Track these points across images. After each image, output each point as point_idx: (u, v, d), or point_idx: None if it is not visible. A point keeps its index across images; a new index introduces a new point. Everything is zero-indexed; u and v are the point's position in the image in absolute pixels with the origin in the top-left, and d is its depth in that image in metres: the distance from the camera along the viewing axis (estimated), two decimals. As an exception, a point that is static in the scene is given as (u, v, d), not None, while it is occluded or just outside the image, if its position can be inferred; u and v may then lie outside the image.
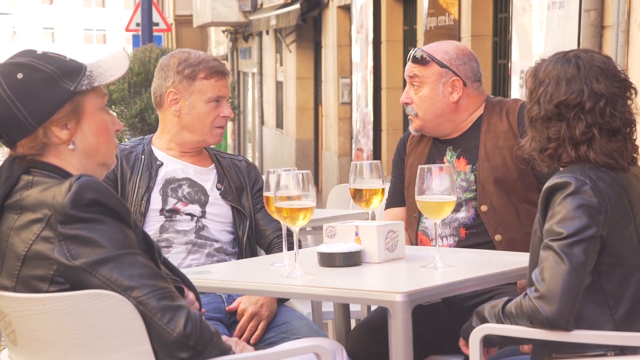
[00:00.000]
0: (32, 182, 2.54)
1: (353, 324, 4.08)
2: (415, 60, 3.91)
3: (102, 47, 67.07)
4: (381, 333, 3.15)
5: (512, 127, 3.84)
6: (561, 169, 2.91)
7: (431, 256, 3.25)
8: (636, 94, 2.94)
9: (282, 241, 3.44)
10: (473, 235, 3.80)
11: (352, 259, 3.25)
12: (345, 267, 3.23)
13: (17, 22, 68.57)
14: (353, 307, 4.14)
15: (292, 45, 18.77)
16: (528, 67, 3.07)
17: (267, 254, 3.96)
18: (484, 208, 3.79)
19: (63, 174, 2.56)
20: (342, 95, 15.43)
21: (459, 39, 9.67)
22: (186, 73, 3.89)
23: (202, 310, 2.86)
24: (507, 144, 3.82)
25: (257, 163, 21.98)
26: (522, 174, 3.78)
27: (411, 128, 3.98)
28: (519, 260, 3.25)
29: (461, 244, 3.79)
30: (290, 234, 3.21)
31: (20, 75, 2.54)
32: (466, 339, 2.93)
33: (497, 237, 3.77)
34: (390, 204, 4.05)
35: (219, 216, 3.92)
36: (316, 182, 17.28)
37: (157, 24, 16.37)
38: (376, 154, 13.32)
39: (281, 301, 3.86)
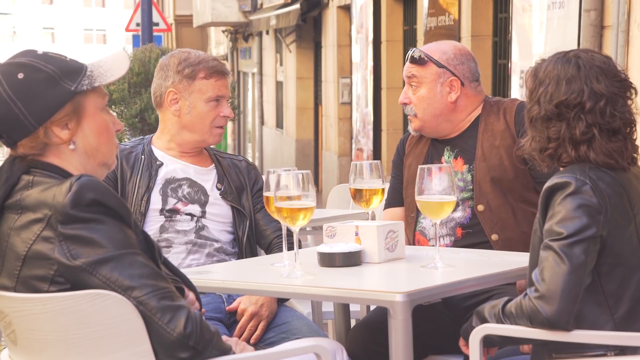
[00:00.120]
0: (33, 182, 2.54)
1: (353, 323, 4.07)
2: (413, 60, 3.91)
3: (102, 47, 67.06)
4: (381, 333, 3.15)
5: (509, 127, 3.84)
6: (561, 169, 2.91)
7: (431, 256, 3.25)
8: (636, 94, 2.94)
9: (282, 241, 3.44)
10: (470, 235, 3.80)
11: (352, 259, 3.25)
12: (345, 267, 3.23)
13: (17, 22, 68.56)
14: (353, 307, 4.14)
15: (292, 45, 18.77)
16: (528, 67, 3.07)
17: (267, 254, 3.96)
18: (480, 208, 3.79)
19: (63, 174, 2.56)
20: (342, 95, 15.43)
21: (459, 39, 9.68)
22: (186, 73, 3.89)
23: (202, 310, 2.86)
24: (504, 144, 3.82)
25: (257, 163, 21.98)
26: (519, 174, 3.79)
27: (410, 128, 3.99)
28: (518, 260, 3.25)
29: (458, 243, 3.79)
30: (290, 234, 3.21)
31: (21, 75, 2.54)
32: (466, 339, 2.94)
33: (494, 237, 3.77)
34: (389, 204, 4.05)
35: (219, 216, 3.92)
36: (316, 182, 17.29)
37: (157, 24, 16.37)
38: (376, 154, 13.32)
39: (281, 301, 3.86)
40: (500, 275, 3.17)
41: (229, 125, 25.96)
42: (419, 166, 3.22)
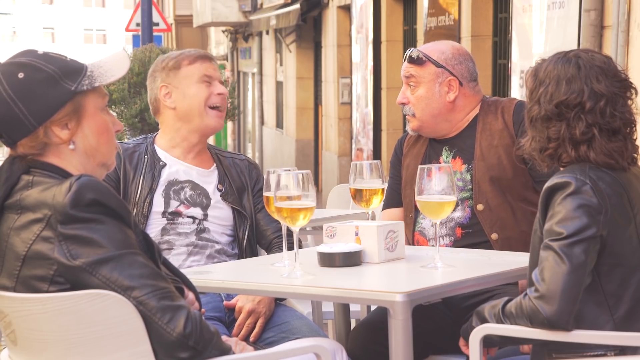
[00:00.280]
0: (32, 182, 2.54)
1: (353, 324, 4.08)
2: (412, 60, 3.92)
3: (102, 47, 67.06)
4: (381, 333, 3.15)
5: (508, 126, 3.84)
6: (561, 169, 2.91)
7: (431, 256, 3.25)
8: (636, 94, 2.94)
9: (282, 241, 3.44)
10: (469, 235, 3.80)
11: (352, 259, 3.25)
12: (345, 267, 3.23)
13: (17, 22, 68.57)
14: (353, 307, 4.14)
15: (292, 45, 18.77)
16: (528, 67, 3.07)
17: (267, 254, 3.96)
18: (480, 207, 3.79)
19: (63, 174, 2.56)
20: (342, 95, 15.43)
21: (459, 39, 9.68)
22: (170, 65, 3.96)
23: (202, 310, 2.86)
24: (503, 143, 3.82)
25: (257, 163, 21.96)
26: (518, 173, 3.79)
27: (409, 128, 3.99)
28: (519, 260, 3.25)
29: (457, 243, 3.79)
30: (290, 234, 3.21)
31: (21, 75, 2.54)
32: (466, 339, 2.94)
33: (494, 236, 3.77)
34: (387, 204, 4.05)
35: (220, 219, 3.93)
36: (316, 182, 17.29)
37: (157, 24, 16.37)
38: (376, 154, 13.32)
39: (279, 300, 3.86)
40: (500, 275, 3.17)
41: (229, 125, 25.97)
42: (419, 166, 3.22)
